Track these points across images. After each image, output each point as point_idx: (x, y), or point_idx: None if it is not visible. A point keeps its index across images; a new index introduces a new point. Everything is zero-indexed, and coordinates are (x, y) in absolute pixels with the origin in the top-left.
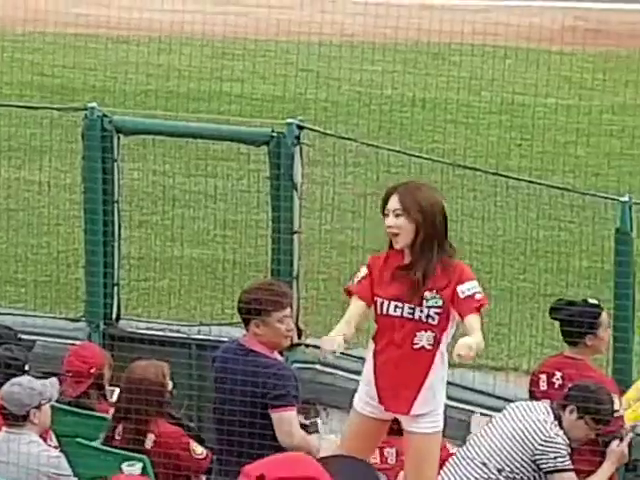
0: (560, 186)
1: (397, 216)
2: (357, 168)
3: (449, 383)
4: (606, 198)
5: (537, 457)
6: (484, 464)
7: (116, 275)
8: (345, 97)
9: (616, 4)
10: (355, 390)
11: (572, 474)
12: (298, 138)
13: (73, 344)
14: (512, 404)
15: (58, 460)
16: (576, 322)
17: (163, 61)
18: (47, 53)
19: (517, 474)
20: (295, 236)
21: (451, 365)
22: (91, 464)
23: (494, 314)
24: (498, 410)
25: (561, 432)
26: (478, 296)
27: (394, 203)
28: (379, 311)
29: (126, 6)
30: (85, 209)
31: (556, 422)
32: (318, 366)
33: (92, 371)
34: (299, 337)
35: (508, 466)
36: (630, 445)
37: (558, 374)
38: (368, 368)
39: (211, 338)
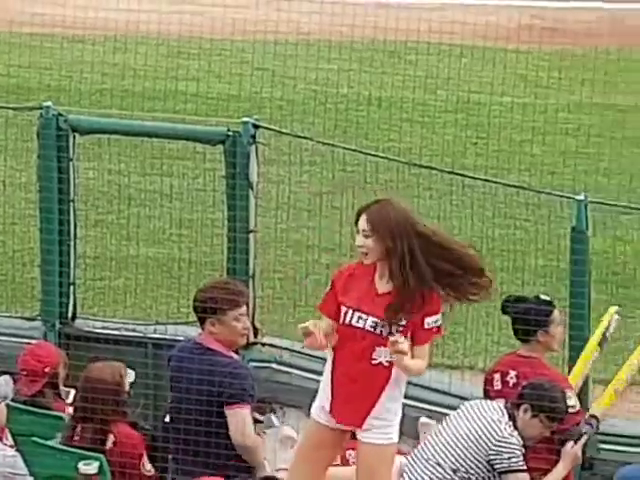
0: (516, 184)
1: (366, 237)
2: (313, 167)
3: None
4: (562, 197)
5: (491, 457)
6: (439, 464)
7: (72, 274)
8: (301, 96)
9: (572, 3)
10: (311, 389)
11: (526, 475)
12: (254, 137)
13: (29, 343)
14: (466, 403)
15: (14, 459)
16: (527, 318)
17: (118, 60)
18: (2, 52)
19: (472, 474)
20: (251, 235)
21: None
22: (47, 463)
23: (450, 313)
24: (454, 409)
25: (515, 432)
26: (434, 330)
27: (363, 223)
28: (342, 320)
29: (81, 5)
30: (40, 208)
31: (510, 422)
32: (274, 365)
33: (47, 370)
34: (255, 336)
35: (463, 466)
36: (585, 444)
37: (512, 373)
38: (326, 377)
39: (167, 337)
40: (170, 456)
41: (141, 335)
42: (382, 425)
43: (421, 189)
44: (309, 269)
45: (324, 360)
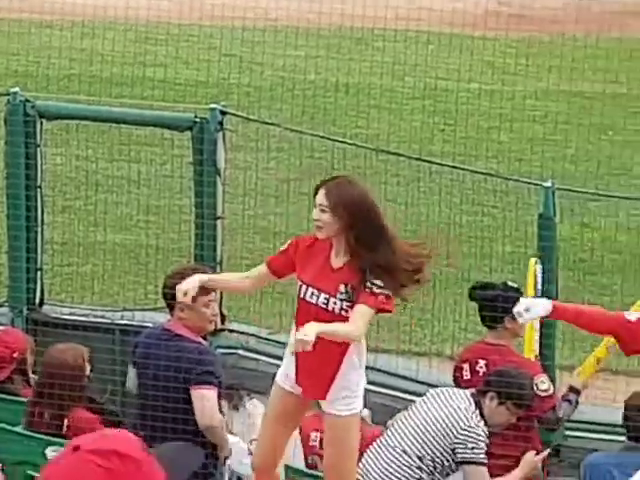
0: (483, 171)
1: (322, 211)
2: (280, 153)
3: (372, 368)
4: (529, 183)
5: (455, 445)
6: (405, 452)
7: (39, 260)
8: (268, 82)
9: None
10: None
11: (484, 469)
12: (221, 123)
13: None
14: (432, 390)
15: None
16: (495, 305)
17: (86, 46)
18: None
19: (437, 463)
20: (218, 221)
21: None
22: (14, 449)
23: (418, 299)
24: (421, 396)
25: (482, 423)
26: (381, 297)
27: (320, 197)
28: (298, 294)
29: None
30: (7, 194)
31: (477, 411)
32: (241, 351)
33: (15, 356)
34: (222, 322)
35: (428, 454)
36: (554, 429)
37: (482, 362)
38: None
39: (134, 323)
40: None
41: (109, 321)
42: (345, 396)
43: (389, 176)
44: None
45: None
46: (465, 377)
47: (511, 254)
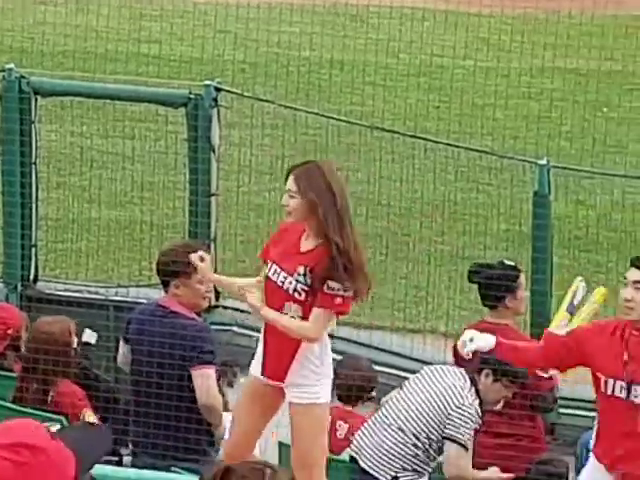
0: (478, 149)
1: (291, 197)
2: (275, 130)
3: (368, 346)
4: (524, 161)
5: (446, 421)
6: (400, 429)
7: (34, 236)
8: (263, 59)
9: None
10: None
11: (464, 452)
12: (216, 100)
13: None
14: (427, 367)
15: None
16: (495, 284)
17: (81, 22)
18: None
19: (433, 440)
20: (212, 198)
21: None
22: None
23: (412, 276)
24: (415, 373)
25: (476, 402)
26: (338, 300)
27: (289, 183)
28: (266, 271)
29: None
30: (2, 171)
31: (473, 389)
32: (235, 328)
33: (10, 332)
34: (216, 299)
35: (424, 432)
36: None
37: None
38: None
39: (129, 299)
40: (131, 419)
41: (103, 298)
42: (306, 384)
43: (383, 153)
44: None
45: None
46: (467, 357)
47: (506, 232)
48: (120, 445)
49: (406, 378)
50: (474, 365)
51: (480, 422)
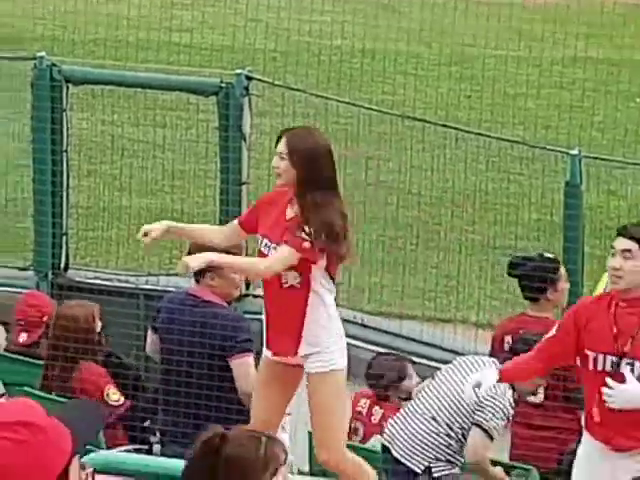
0: (510, 138)
1: (281, 158)
2: (306, 119)
3: (397, 335)
4: (556, 151)
5: (476, 408)
6: (434, 419)
7: (64, 224)
8: (294, 47)
9: None
10: None
11: (488, 441)
12: (247, 88)
13: (20, 293)
14: (459, 358)
15: None
16: (537, 277)
17: (112, 10)
18: None
19: (466, 430)
20: (243, 187)
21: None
22: None
23: (443, 266)
24: (446, 363)
25: (509, 393)
26: (305, 244)
27: (281, 145)
28: (258, 246)
29: None
30: (34, 158)
31: None
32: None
33: (45, 320)
34: (247, 288)
35: (457, 422)
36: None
37: None
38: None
39: (159, 288)
40: (160, 407)
41: (133, 286)
42: (317, 352)
43: (414, 142)
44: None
45: None
46: (506, 349)
47: (537, 221)
48: (148, 433)
49: (437, 368)
50: (506, 355)
51: (512, 413)
